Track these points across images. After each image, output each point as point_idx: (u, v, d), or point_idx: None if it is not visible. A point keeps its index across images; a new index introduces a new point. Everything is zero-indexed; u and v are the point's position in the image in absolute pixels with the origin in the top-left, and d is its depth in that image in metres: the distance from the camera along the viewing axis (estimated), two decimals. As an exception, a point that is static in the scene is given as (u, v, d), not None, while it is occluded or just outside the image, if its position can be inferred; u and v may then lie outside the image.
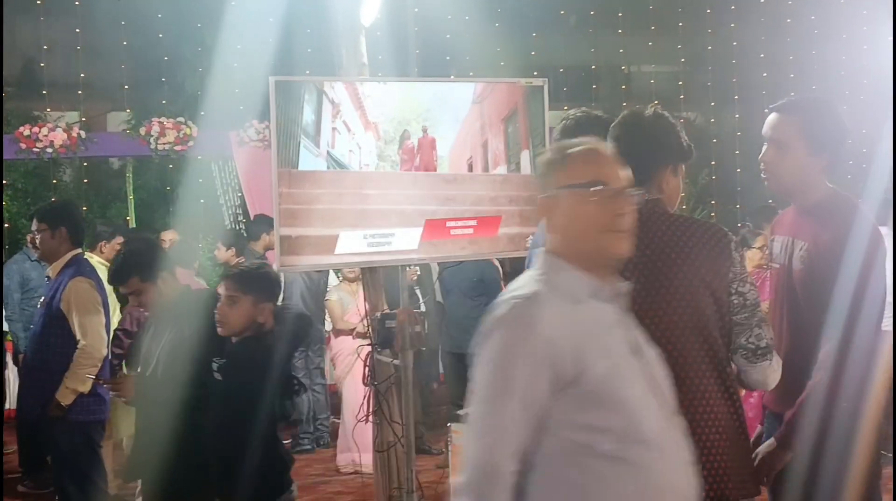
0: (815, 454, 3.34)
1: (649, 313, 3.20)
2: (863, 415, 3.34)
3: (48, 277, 6.30)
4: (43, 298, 6.19)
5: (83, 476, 5.88)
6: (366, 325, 8.71)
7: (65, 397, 5.73)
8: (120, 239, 8.64)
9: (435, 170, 6.04)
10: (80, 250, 6.15)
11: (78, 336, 5.79)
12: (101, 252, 8.40)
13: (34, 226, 6.16)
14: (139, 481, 5.33)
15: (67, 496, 6.04)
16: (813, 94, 3.57)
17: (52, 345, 5.91)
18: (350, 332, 9.04)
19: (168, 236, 9.50)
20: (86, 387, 5.69)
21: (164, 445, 4.69)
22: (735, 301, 3.24)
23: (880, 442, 3.75)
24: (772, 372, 3.29)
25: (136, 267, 4.90)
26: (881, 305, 3.49)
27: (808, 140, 3.73)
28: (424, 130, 6.02)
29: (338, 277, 9.97)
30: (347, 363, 8.98)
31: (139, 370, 5.04)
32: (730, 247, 3.27)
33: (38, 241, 6.16)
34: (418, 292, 9.42)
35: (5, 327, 9.20)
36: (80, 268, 5.98)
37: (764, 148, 3.83)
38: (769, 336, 3.28)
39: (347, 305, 9.14)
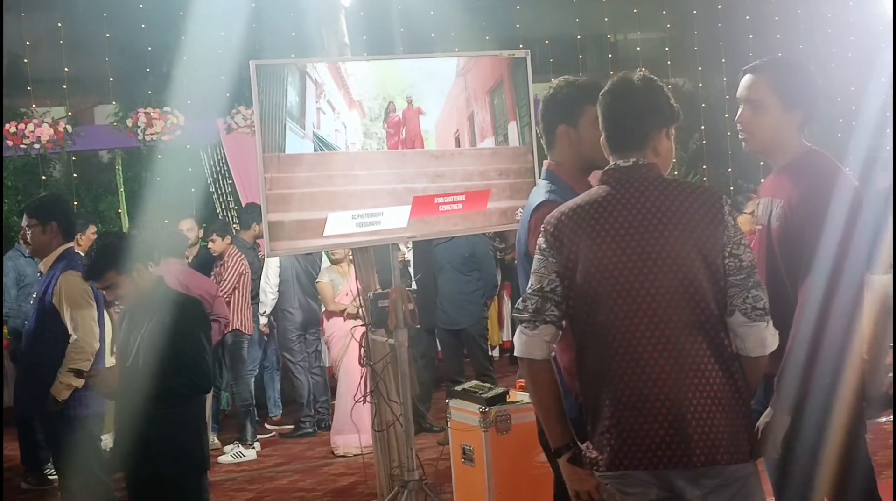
0: (798, 409, 3.34)
1: (640, 278, 3.21)
2: (844, 371, 3.34)
3: (41, 272, 6.28)
4: (35, 293, 6.17)
5: (85, 470, 5.87)
6: (357, 305, 8.74)
7: (60, 392, 5.71)
8: (93, 228, 8.61)
9: (421, 140, 6.03)
10: (70, 244, 6.13)
11: (70, 330, 5.78)
12: (79, 244, 8.38)
13: (25, 222, 6.14)
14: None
15: (70, 490, 6.04)
16: (785, 54, 3.58)
17: (46, 340, 5.90)
18: (341, 313, 9.06)
19: (185, 226, 9.49)
20: (79, 382, 5.67)
21: (147, 434, 4.71)
22: (730, 264, 3.23)
23: (862, 398, 3.76)
24: (769, 335, 3.27)
25: (112, 261, 4.89)
26: (862, 259, 3.49)
27: (780, 97, 3.81)
28: (409, 101, 6.00)
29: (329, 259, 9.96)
30: (342, 346, 9.00)
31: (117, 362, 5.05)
32: (723, 211, 3.26)
33: (29, 236, 6.14)
34: (411, 271, 9.42)
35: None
36: (72, 262, 5.96)
37: (740, 109, 3.88)
38: (766, 299, 3.27)
39: (338, 286, 9.14)
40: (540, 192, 4.00)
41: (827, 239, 3.51)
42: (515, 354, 3.40)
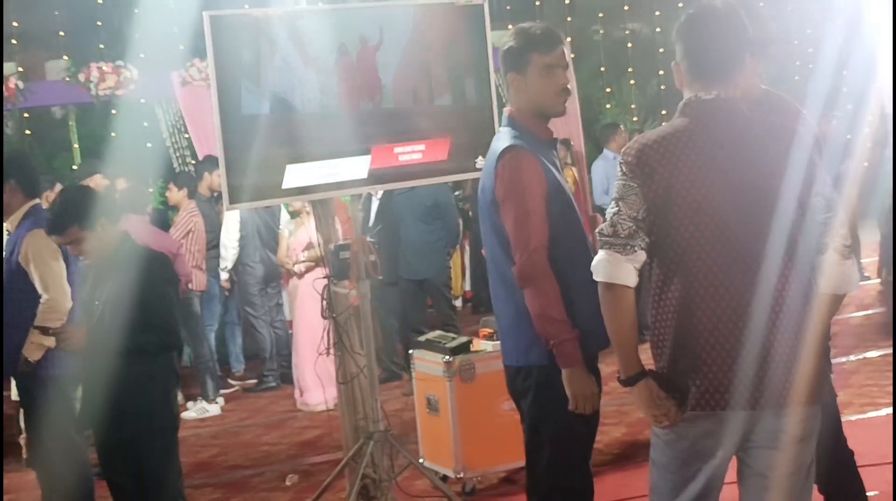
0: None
1: (734, 217, 3.15)
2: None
3: (8, 231, 6.14)
4: (3, 253, 6.04)
5: (59, 431, 5.81)
6: (296, 260, 8.77)
7: (31, 352, 5.62)
8: (59, 186, 8.48)
9: (378, 86, 5.90)
10: (37, 201, 5.97)
11: (40, 290, 5.67)
12: (47, 201, 8.26)
13: None
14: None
15: (43, 449, 6.00)
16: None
17: (16, 301, 5.76)
18: (285, 269, 9.08)
19: (119, 185, 9.38)
20: (51, 342, 5.58)
21: (115, 391, 4.66)
22: (818, 202, 3.19)
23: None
24: (855, 272, 3.25)
25: (75, 216, 4.80)
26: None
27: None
28: (363, 41, 5.84)
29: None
30: (291, 302, 9.03)
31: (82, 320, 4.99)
32: (809, 149, 3.21)
33: None
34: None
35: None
36: (38, 219, 5.78)
37: None
38: (850, 238, 3.24)
39: (291, 238, 9.13)
40: (504, 138, 4.00)
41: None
42: (599, 278, 3.24)
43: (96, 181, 9.06)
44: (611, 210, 3.26)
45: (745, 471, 3.32)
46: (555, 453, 4.00)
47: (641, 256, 3.22)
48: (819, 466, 3.85)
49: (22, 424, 7.77)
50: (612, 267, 3.21)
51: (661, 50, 14.67)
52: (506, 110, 4.14)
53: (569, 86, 4.07)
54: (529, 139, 3.98)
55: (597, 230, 3.29)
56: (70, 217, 4.80)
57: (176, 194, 9.50)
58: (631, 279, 3.21)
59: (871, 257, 11.95)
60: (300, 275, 8.89)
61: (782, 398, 3.16)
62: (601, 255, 3.24)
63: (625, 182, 3.23)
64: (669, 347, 3.24)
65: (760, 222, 3.16)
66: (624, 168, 3.25)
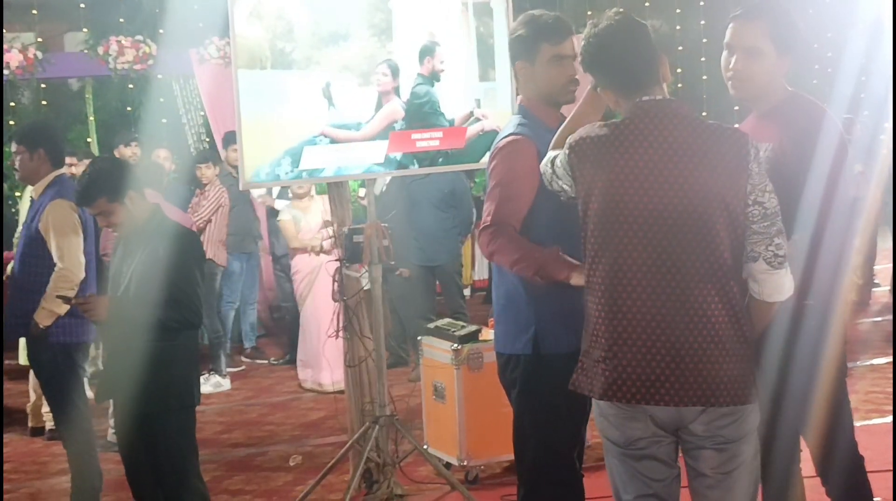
0: (786, 355, 3.35)
1: (657, 222, 3.19)
2: (831, 317, 3.35)
3: (32, 198, 6.20)
4: (26, 219, 6.11)
5: (64, 397, 5.87)
6: (323, 238, 8.74)
7: (42, 318, 5.68)
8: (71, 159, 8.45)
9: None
10: (62, 171, 6.03)
11: (55, 259, 5.73)
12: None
13: (13, 148, 6.07)
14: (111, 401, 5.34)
15: (55, 417, 6.10)
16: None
17: (32, 266, 5.84)
18: (305, 249, 9.05)
19: (162, 155, 9.41)
20: (62, 309, 5.63)
21: (135, 366, 4.66)
22: (754, 212, 3.22)
23: (846, 344, 3.79)
24: (787, 281, 3.28)
25: (104, 187, 4.78)
26: (849, 204, 3.50)
27: (776, 43, 3.77)
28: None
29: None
30: (307, 282, 9.01)
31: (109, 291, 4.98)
32: (748, 157, 3.23)
33: (17, 163, 6.06)
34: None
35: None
36: (62, 189, 5.87)
37: (732, 59, 3.80)
38: (786, 246, 3.27)
39: (300, 222, 9.10)
40: (510, 126, 4.03)
41: (816, 183, 3.50)
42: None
43: (165, 155, 9.18)
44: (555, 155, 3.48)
45: (690, 473, 3.38)
46: (540, 445, 3.99)
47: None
48: (830, 471, 3.89)
49: (31, 392, 7.85)
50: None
51: (680, 48, 14.62)
52: (518, 99, 4.15)
53: (577, 76, 4.04)
54: (538, 128, 3.97)
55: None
56: (99, 188, 4.78)
57: (212, 172, 9.50)
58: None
59: (883, 264, 11.92)
60: (328, 251, 8.83)
61: (690, 397, 3.20)
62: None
63: (563, 163, 3.40)
64: (589, 333, 3.34)
65: (685, 224, 3.19)
66: (566, 148, 3.38)
